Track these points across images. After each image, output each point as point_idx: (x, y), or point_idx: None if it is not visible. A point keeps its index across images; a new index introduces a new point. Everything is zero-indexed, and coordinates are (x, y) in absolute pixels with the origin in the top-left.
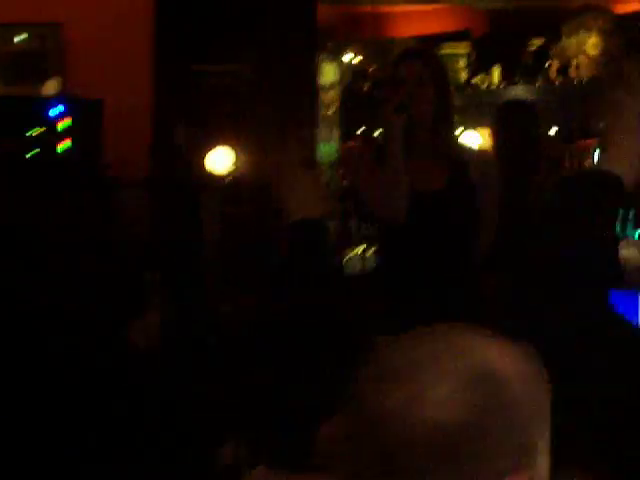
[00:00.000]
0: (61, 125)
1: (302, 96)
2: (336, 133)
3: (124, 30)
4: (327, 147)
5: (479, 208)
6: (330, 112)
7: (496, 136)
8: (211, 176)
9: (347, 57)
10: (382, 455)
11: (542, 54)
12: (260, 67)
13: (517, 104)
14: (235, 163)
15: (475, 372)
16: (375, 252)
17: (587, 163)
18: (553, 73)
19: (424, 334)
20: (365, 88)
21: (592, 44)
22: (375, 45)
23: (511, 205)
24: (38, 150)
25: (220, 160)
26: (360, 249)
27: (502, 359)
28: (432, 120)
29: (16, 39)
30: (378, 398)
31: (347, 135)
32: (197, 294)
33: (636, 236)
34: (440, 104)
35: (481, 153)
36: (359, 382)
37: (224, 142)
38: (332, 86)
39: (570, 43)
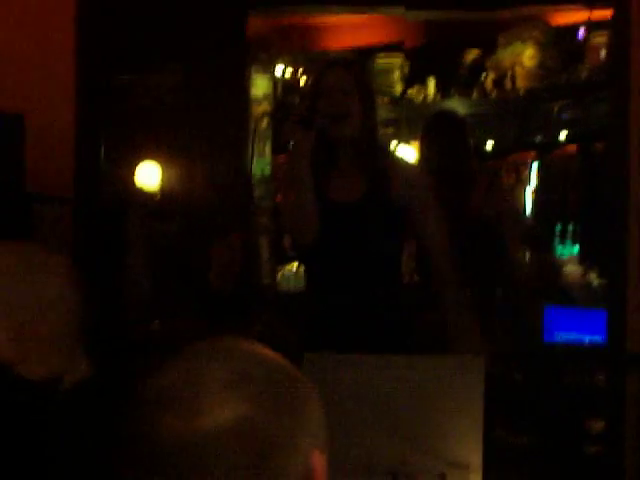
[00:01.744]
0: None
1: (233, 109)
2: (268, 147)
3: (43, 40)
4: (260, 161)
5: (416, 224)
6: (262, 125)
7: (425, 148)
8: (138, 193)
9: (279, 69)
10: None
11: (478, 66)
12: (187, 79)
13: (445, 115)
14: (162, 179)
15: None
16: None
17: (524, 176)
18: (489, 85)
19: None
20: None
21: (528, 55)
22: (308, 57)
23: (451, 221)
24: None
25: (147, 176)
26: (294, 265)
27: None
28: (356, 131)
29: None
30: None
31: (279, 149)
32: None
33: (574, 251)
34: (364, 114)
35: (408, 166)
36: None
37: (150, 157)
38: (264, 99)
39: (506, 54)
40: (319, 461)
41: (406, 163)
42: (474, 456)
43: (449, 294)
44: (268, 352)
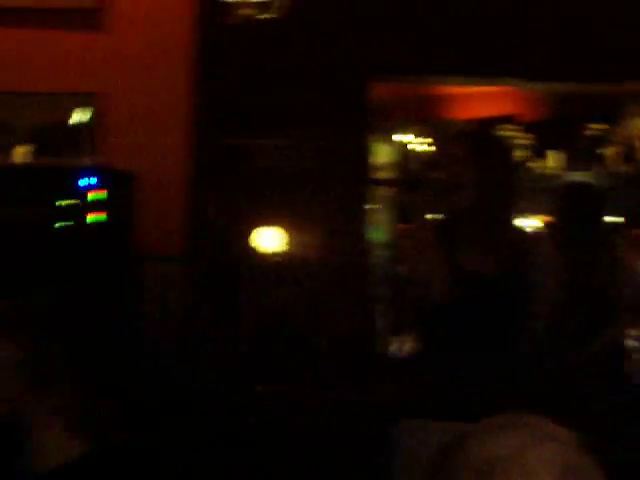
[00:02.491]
0: (92, 196)
1: (353, 175)
2: (390, 215)
3: (161, 100)
4: (381, 230)
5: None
6: (384, 193)
7: (559, 217)
8: (253, 255)
9: (402, 137)
10: None
11: (601, 139)
12: (306, 143)
13: (584, 186)
14: (283, 244)
15: (565, 463)
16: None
17: None
18: (612, 158)
19: (504, 426)
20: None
21: None
22: (430, 126)
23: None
24: (70, 222)
25: (265, 240)
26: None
27: (578, 449)
28: (478, 201)
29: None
30: None
31: (402, 218)
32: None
33: None
34: (481, 185)
35: (540, 238)
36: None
37: (266, 221)
38: (386, 166)
39: (633, 126)
40: None
41: (537, 234)
42: None
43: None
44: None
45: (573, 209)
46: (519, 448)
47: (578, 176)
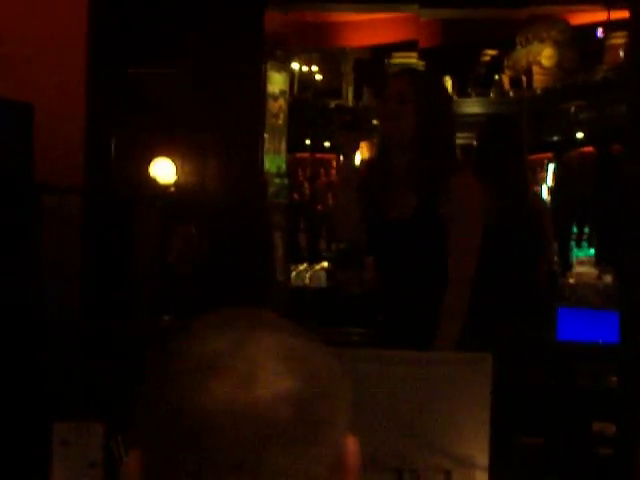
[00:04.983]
0: None
1: (248, 105)
2: (284, 144)
3: (55, 29)
4: (276, 158)
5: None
6: (279, 122)
7: (478, 153)
8: (149, 187)
9: (296, 66)
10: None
11: (495, 66)
12: (202, 73)
13: (502, 119)
14: (176, 174)
15: (288, 349)
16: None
17: (541, 177)
18: (506, 85)
19: (223, 321)
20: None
21: (546, 55)
22: (325, 54)
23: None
24: None
25: (159, 170)
26: (319, 266)
27: (303, 336)
28: (412, 141)
29: None
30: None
31: (295, 146)
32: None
33: (590, 253)
34: (423, 123)
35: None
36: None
37: (162, 151)
38: (281, 95)
39: (523, 54)
40: (353, 443)
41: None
42: (480, 454)
43: (448, 326)
44: (301, 328)
45: (492, 144)
46: (238, 340)
47: (474, 103)
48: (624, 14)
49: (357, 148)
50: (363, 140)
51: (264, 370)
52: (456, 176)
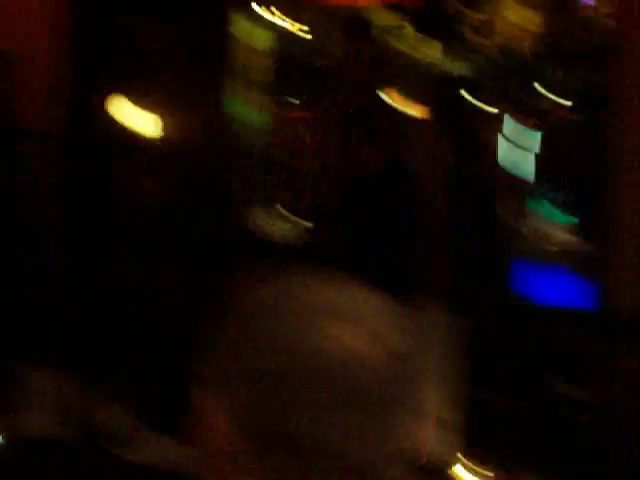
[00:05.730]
0: None
1: (218, 56)
2: (269, 100)
3: None
4: (262, 115)
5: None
6: (264, 79)
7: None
8: (127, 137)
9: (280, 22)
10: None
11: (477, 27)
12: (171, 23)
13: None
14: (153, 125)
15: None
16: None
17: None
18: (488, 47)
19: (330, 279)
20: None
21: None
22: (303, 10)
23: None
24: None
25: (136, 120)
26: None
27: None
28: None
29: None
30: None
31: (280, 103)
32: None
33: (566, 219)
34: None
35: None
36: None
37: (139, 101)
38: (268, 52)
39: (508, 14)
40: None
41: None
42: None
43: None
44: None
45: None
46: (350, 296)
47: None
48: None
49: None
50: None
51: (380, 326)
52: None
